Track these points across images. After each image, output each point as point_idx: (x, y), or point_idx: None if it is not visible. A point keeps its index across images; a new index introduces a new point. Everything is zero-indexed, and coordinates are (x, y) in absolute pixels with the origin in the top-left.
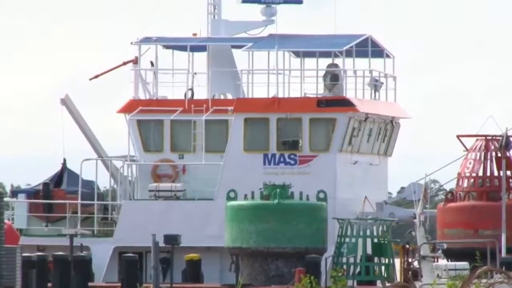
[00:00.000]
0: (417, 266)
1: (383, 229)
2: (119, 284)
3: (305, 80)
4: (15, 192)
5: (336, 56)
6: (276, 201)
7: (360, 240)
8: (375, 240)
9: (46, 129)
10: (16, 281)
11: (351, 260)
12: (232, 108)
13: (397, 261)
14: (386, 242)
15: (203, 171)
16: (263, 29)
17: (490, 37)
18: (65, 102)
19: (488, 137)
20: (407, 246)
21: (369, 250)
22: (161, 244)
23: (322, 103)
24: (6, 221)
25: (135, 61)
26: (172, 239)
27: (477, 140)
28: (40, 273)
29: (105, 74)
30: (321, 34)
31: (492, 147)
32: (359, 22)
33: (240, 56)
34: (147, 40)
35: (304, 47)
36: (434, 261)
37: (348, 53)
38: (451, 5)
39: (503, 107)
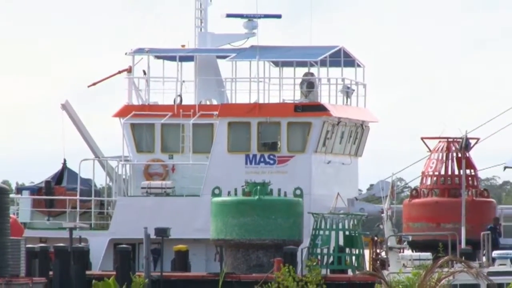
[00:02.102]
0: (385, 257)
1: (354, 223)
2: (114, 273)
3: (283, 88)
4: (19, 189)
5: (311, 65)
6: (256, 197)
7: (333, 233)
8: (347, 233)
9: (48, 132)
10: (21, 270)
11: (325, 251)
12: (217, 113)
13: (367, 252)
14: (356, 234)
15: (190, 170)
16: (245, 41)
17: (450, 48)
18: (65, 107)
19: (449, 139)
20: (376, 238)
21: (341, 242)
22: (152, 236)
23: (299, 108)
24: (11, 215)
25: (129, 70)
26: (162, 232)
27: (439, 142)
28: (42, 262)
29: (102, 82)
30: (298, 46)
31: (453, 148)
32: (333, 35)
33: (224, 66)
34: (140, 51)
35: (283, 57)
36: (400, 252)
37: (323, 63)
38: (415, 20)
39: (463, 111)
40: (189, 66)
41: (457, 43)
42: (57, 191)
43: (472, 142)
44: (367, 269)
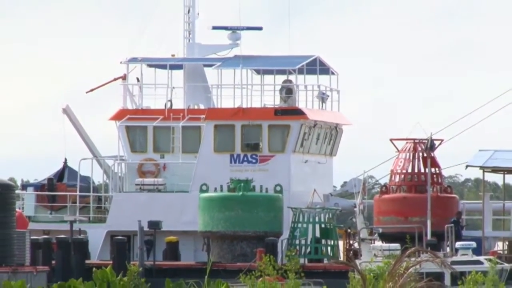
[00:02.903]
0: (357, 247)
1: (329, 216)
2: (111, 262)
3: (264, 93)
4: (24, 186)
5: (290, 73)
6: (240, 193)
7: (310, 226)
8: (323, 225)
9: (50, 133)
10: (26, 260)
11: (303, 242)
12: (204, 116)
13: (341, 243)
14: (331, 227)
15: (180, 168)
16: (230, 51)
17: (416, 57)
18: (66, 111)
19: (416, 140)
20: (349, 230)
21: (317, 234)
22: (146, 228)
23: (279, 112)
24: (17, 209)
25: (124, 77)
26: (154, 225)
27: (407, 142)
28: (46, 253)
29: (99, 88)
30: (278, 55)
31: (419, 149)
32: (309, 45)
33: (210, 73)
34: (133, 60)
35: (264, 65)
36: (371, 243)
37: (300, 71)
38: (385, 31)
39: (428, 115)
40: (178, 74)
41: (426, 50)
42: (59, 187)
43: (437, 143)
44: (341, 258)
